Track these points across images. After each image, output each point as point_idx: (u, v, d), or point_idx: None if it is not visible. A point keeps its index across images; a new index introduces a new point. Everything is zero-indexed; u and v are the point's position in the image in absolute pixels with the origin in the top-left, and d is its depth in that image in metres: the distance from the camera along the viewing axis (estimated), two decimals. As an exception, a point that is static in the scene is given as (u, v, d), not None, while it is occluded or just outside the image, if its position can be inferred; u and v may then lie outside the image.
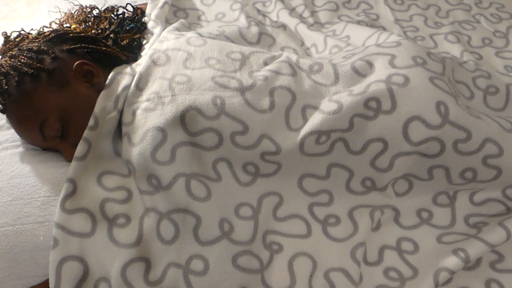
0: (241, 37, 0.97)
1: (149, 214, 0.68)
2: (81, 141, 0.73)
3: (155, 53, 0.79)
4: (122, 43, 0.88)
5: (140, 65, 0.78)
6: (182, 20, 1.00)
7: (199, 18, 1.12)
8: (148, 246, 0.67)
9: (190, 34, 0.86)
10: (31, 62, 0.74)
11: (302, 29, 1.06)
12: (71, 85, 0.76)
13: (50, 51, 0.76)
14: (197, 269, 0.66)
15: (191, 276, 0.65)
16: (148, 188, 0.68)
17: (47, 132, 0.74)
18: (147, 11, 1.02)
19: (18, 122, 0.76)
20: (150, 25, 0.95)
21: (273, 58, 0.81)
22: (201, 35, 0.86)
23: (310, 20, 1.14)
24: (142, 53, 0.85)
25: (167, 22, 1.01)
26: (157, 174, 0.67)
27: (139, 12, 1.02)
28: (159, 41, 0.84)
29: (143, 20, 0.98)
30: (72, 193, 0.69)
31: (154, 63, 0.77)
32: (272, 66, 0.77)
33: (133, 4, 1.06)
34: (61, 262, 0.64)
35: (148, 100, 0.72)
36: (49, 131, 0.74)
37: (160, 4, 1.02)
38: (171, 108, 0.69)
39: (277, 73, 0.76)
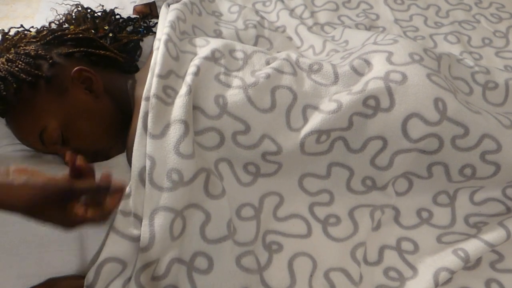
0: (238, 40, 0.96)
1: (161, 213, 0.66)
2: None
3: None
4: (121, 42, 0.87)
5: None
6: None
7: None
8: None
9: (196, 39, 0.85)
10: (29, 69, 0.71)
11: (302, 31, 1.06)
12: (69, 92, 0.74)
13: (48, 56, 0.74)
14: (201, 267, 0.65)
15: (195, 273, 0.65)
16: (168, 184, 0.67)
17: (47, 140, 0.72)
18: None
19: (17, 129, 0.74)
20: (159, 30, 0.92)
21: (275, 59, 0.80)
22: (205, 39, 0.85)
23: (310, 21, 1.14)
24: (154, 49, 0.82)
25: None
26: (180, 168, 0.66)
27: (140, 15, 1.02)
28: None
29: (150, 23, 0.97)
30: None
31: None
32: (274, 64, 0.77)
33: (134, 4, 1.06)
34: (104, 262, 0.64)
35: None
36: (49, 139, 0.72)
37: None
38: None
39: (278, 71, 0.76)
